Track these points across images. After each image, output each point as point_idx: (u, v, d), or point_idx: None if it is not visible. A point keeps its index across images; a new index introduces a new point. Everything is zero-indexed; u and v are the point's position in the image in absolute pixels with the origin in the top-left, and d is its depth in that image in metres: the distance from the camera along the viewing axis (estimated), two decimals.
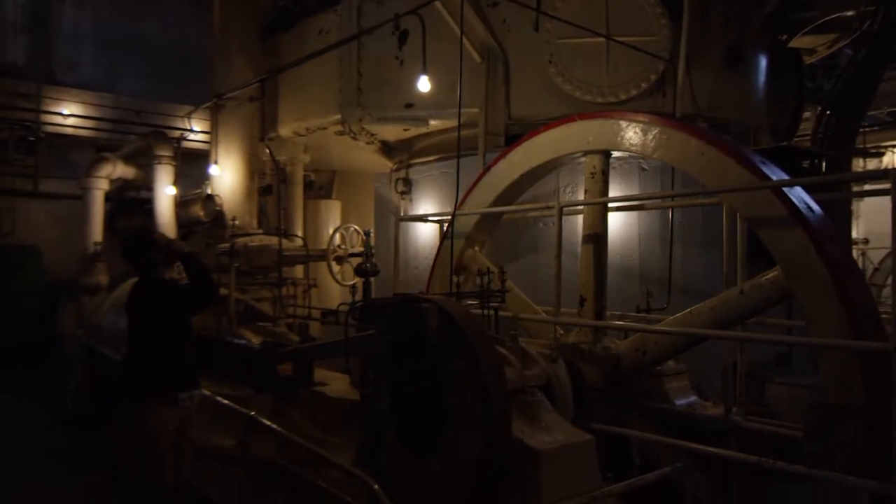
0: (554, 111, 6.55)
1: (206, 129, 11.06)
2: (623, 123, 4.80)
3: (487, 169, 5.98)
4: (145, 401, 4.30)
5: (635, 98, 6.66)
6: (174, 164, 10.20)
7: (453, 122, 7.89)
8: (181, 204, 9.92)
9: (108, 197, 11.37)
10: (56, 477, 6.57)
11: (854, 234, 12.94)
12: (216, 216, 8.46)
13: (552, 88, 7.02)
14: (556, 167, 5.90)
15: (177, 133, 11.36)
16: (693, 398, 5.01)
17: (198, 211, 8.93)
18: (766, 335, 4.87)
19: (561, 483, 3.46)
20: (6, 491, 6.21)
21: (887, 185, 3.31)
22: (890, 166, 13.31)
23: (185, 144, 10.90)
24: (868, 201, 14.25)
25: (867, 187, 9.80)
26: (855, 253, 12.59)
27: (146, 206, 11.47)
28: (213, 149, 8.87)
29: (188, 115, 11.10)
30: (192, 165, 12.04)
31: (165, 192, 10.03)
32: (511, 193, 5.84)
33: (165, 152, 10.23)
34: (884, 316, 3.91)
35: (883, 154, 13.89)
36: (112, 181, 11.11)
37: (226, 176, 8.69)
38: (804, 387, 5.71)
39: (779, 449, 3.96)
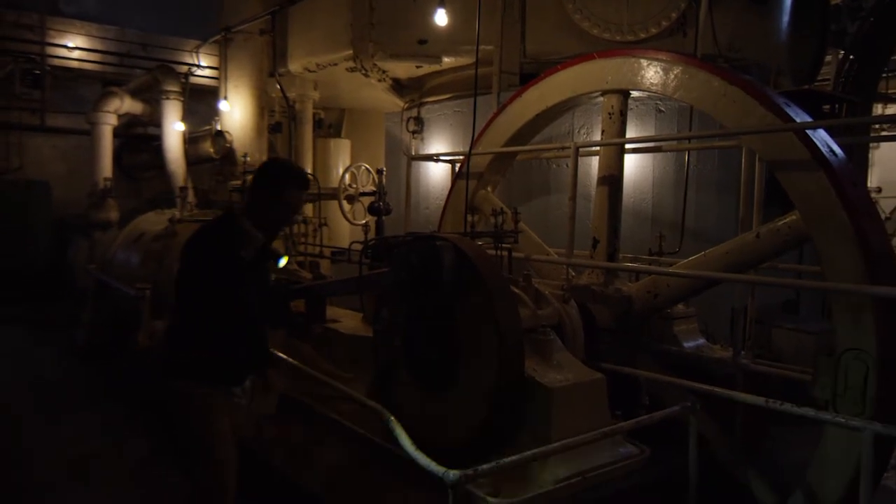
0: (571, 49, 6.39)
1: (215, 64, 10.89)
2: (644, 62, 4.69)
3: (502, 108, 5.89)
4: (193, 392, 3.21)
5: (655, 37, 6.47)
6: (182, 99, 10.10)
7: (466, 60, 7.75)
8: (190, 140, 9.88)
9: (116, 132, 11.29)
10: (72, 408, 6.73)
11: (868, 183, 12.82)
12: (226, 153, 8.42)
13: (569, 26, 6.82)
14: (572, 107, 5.81)
15: (184, 68, 11.19)
16: (701, 341, 5.06)
17: (207, 147, 8.89)
18: (780, 279, 4.87)
19: (571, 420, 3.52)
20: (23, 422, 6.38)
21: None
22: None
23: (193, 80, 10.74)
24: (883, 150, 14.06)
25: (885, 133, 9.64)
26: None
27: (154, 142, 11.42)
28: (221, 84, 8.76)
29: (196, 50, 10.91)
30: (201, 101, 11.91)
31: (174, 128, 9.97)
32: (525, 134, 5.76)
33: (173, 87, 10.11)
34: None
35: None
36: (120, 116, 11.02)
37: (235, 112, 8.60)
38: (811, 333, 5.75)
39: (784, 393, 4.01)
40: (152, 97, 10.70)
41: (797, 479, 4.16)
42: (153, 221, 8.36)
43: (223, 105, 8.58)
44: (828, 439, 3.72)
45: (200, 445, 3.24)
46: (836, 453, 3.65)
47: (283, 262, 3.31)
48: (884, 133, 10.60)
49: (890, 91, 12.41)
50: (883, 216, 13.29)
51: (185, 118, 10.07)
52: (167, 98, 10.05)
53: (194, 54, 10.90)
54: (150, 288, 6.85)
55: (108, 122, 10.82)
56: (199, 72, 11.43)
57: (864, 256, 3.54)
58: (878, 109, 13.12)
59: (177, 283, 3.36)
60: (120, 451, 5.63)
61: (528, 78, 5.95)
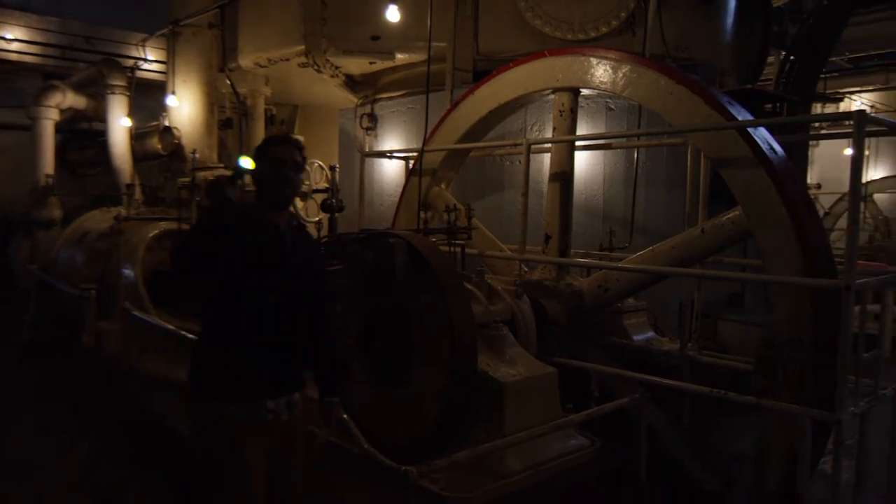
0: (523, 47, 6.44)
1: (162, 58, 10.59)
2: (593, 60, 4.77)
3: (455, 105, 5.91)
4: (212, 411, 2.70)
5: (605, 36, 6.57)
6: (128, 94, 9.82)
7: (420, 57, 7.75)
8: (137, 136, 9.62)
9: (59, 128, 10.91)
10: (19, 408, 6.52)
11: (808, 180, 13.31)
12: (175, 149, 8.22)
13: (522, 23, 6.87)
14: (524, 104, 5.86)
15: (130, 62, 10.86)
16: (650, 334, 5.19)
17: (155, 144, 8.66)
18: (724, 273, 5.02)
19: (524, 413, 3.58)
20: None
21: (847, 130, 3.38)
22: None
23: (140, 74, 10.43)
24: (822, 148, 14.61)
25: (824, 131, 10.01)
26: None
27: (99, 138, 11.07)
28: (169, 79, 8.54)
29: (142, 43, 10.59)
30: (148, 96, 11.59)
31: (119, 123, 9.68)
32: (478, 130, 5.79)
33: (119, 82, 9.83)
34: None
35: (841, 100, 14.14)
36: (62, 111, 10.65)
37: (184, 108, 8.40)
38: (755, 324, 5.95)
39: (729, 383, 4.14)
40: (97, 91, 10.36)
41: (741, 467, 4.31)
42: (98, 220, 8.12)
43: (171, 100, 8.37)
44: (769, 427, 3.86)
45: (224, 478, 2.70)
46: (776, 440, 3.78)
47: (244, 162, 2.76)
48: (823, 131, 10.99)
49: (828, 91, 12.89)
50: (822, 212, 13.84)
51: (132, 113, 9.78)
52: (112, 93, 9.75)
53: (140, 48, 10.59)
54: (95, 288, 6.66)
55: (50, 117, 10.44)
56: (146, 66, 11.10)
57: (802, 250, 3.67)
58: (818, 108, 13.61)
59: None
60: (65, 453, 5.47)
61: (482, 75, 5.99)
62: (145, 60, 10.45)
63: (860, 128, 3.29)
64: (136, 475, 4.97)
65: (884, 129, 4.48)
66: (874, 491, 4.04)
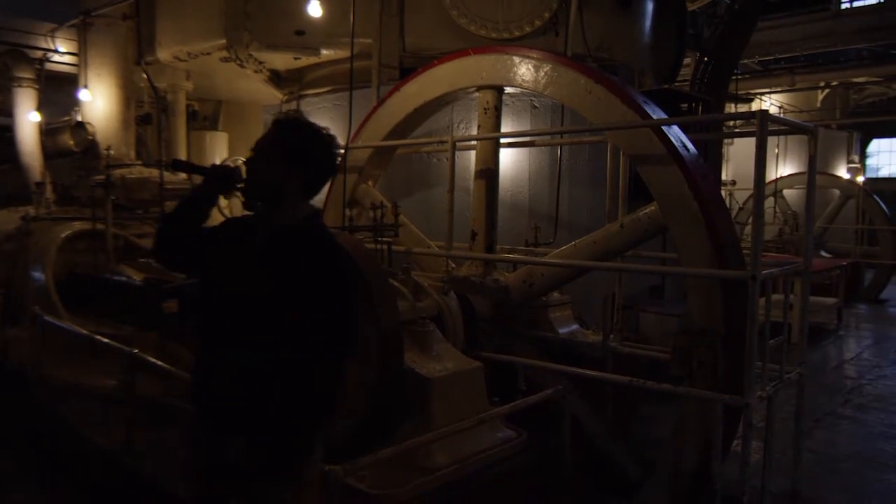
0: (449, 45, 6.48)
1: (74, 49, 10.12)
2: (516, 59, 4.84)
3: (381, 102, 5.89)
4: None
5: (529, 35, 6.70)
6: (37, 87, 9.36)
7: (346, 53, 7.64)
8: (47, 132, 9.17)
9: None
10: None
11: (723, 176, 13.93)
12: (88, 146, 7.88)
13: (447, 21, 6.92)
14: (450, 101, 5.90)
15: (39, 53, 10.33)
16: (575, 327, 5.32)
17: (67, 140, 8.28)
18: (642, 266, 5.19)
19: (451, 408, 3.61)
20: None
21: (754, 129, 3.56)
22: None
23: (50, 66, 9.95)
24: (737, 146, 15.32)
25: (737, 130, 10.50)
26: (723, 193, 13.53)
27: (6, 133, 10.49)
28: (81, 72, 8.17)
29: (51, 34, 10.08)
30: (59, 90, 11.04)
31: (28, 118, 9.23)
32: (405, 127, 5.79)
33: (26, 74, 9.37)
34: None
35: (752, 100, 14.85)
36: None
37: (98, 102, 8.07)
38: (674, 315, 6.19)
39: (650, 372, 4.30)
40: (2, 84, 9.81)
41: (660, 452, 4.48)
42: (5, 220, 7.67)
43: (84, 94, 8.02)
44: (685, 413, 4.02)
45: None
46: (692, 425, 3.95)
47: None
48: (736, 130, 11.53)
49: (740, 91, 13.52)
50: (737, 207, 14.52)
51: (42, 108, 9.33)
52: (19, 85, 9.29)
53: (49, 39, 10.08)
54: (1, 292, 6.31)
55: None
56: (56, 58, 10.60)
57: (713, 244, 3.85)
58: (731, 108, 14.27)
59: None
60: None
61: (409, 72, 5.99)
62: (55, 52, 9.97)
63: (763, 127, 3.47)
64: (53, 496, 4.72)
65: (786, 128, 4.75)
66: (781, 470, 4.29)
